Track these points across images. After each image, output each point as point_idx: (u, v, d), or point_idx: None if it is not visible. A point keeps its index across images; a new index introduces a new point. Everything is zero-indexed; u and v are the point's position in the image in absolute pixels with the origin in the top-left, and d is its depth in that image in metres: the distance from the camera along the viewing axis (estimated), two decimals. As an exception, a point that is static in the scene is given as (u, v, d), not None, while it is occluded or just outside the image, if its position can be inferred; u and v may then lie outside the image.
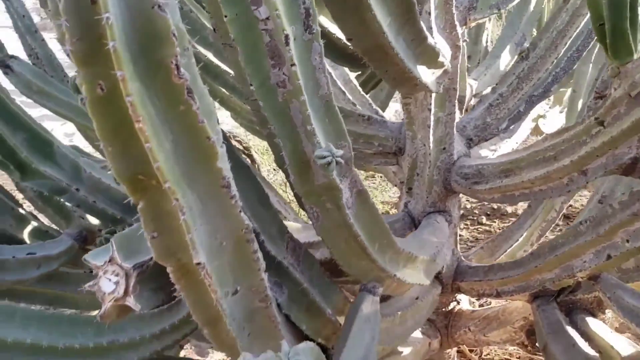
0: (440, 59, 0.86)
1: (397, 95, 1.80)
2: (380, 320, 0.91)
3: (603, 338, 1.16)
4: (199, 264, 0.51)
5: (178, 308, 0.80)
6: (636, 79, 0.83)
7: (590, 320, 1.24)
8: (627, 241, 0.99)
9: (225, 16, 0.56)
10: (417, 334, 1.48)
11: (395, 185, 1.74)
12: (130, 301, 0.62)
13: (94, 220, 1.14)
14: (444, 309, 1.55)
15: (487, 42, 2.30)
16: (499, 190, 1.13)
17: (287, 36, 0.56)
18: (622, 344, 1.12)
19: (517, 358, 1.86)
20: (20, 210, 1.05)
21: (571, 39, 1.20)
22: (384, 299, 1.11)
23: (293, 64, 0.57)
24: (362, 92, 1.46)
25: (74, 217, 1.12)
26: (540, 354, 1.87)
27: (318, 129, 0.64)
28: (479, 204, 2.90)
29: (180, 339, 0.80)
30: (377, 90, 1.66)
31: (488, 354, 1.90)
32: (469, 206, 2.94)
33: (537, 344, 1.33)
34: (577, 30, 1.20)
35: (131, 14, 0.39)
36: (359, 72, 1.55)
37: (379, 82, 1.64)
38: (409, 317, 1.23)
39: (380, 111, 1.38)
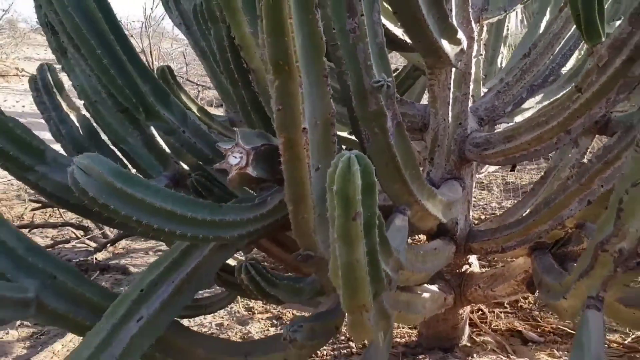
0: (459, 36, 1.18)
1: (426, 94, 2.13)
2: (407, 231, 1.21)
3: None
4: (304, 129, 0.82)
5: (266, 204, 1.11)
6: (602, 53, 1.14)
7: (578, 266, 1.51)
8: (602, 186, 1.27)
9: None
10: (435, 288, 1.76)
11: (420, 164, 2.04)
12: (250, 169, 0.94)
13: (185, 167, 1.47)
14: (457, 271, 1.83)
15: (501, 64, 2.63)
16: (503, 153, 1.43)
17: (361, -3, 0.89)
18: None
19: (523, 328, 2.11)
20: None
21: (564, 40, 1.52)
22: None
23: (362, 15, 0.89)
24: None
25: (171, 163, 1.44)
26: (541, 320, 2.13)
27: (375, 65, 0.96)
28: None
29: (266, 226, 1.10)
30: (413, 88, 2.00)
31: (497, 325, 2.16)
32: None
33: (534, 290, 1.59)
34: (569, 34, 1.52)
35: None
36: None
37: (413, 84, 1.98)
38: (429, 259, 1.51)
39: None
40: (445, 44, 1.17)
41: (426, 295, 1.67)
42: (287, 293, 1.14)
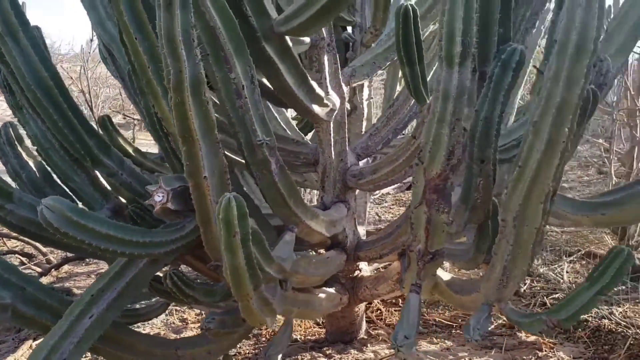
0: (325, 102, 1.63)
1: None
2: (293, 244, 1.63)
3: (439, 275, 1.89)
4: (205, 177, 1.23)
5: (184, 227, 1.51)
6: (424, 113, 1.61)
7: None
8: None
9: (216, 75, 1.31)
10: (332, 290, 2.18)
11: (317, 189, 2.48)
12: (169, 204, 1.33)
13: (123, 200, 1.84)
14: (351, 275, 2.26)
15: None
16: (372, 182, 1.89)
17: (243, 85, 1.31)
18: (446, 276, 1.86)
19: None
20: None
21: (417, 95, 1.99)
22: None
23: (246, 97, 1.32)
24: (297, 128, 2.23)
25: (112, 197, 1.81)
26: (426, 315, 2.59)
27: (258, 128, 1.39)
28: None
29: (185, 245, 1.50)
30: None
31: (390, 320, 2.61)
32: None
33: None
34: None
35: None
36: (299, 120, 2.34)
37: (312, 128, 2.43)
38: (321, 266, 1.94)
39: (305, 138, 2.14)
40: (315, 107, 1.61)
41: (322, 295, 2.09)
42: (203, 294, 1.53)
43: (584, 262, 3.01)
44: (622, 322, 2.29)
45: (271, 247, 1.54)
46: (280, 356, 1.86)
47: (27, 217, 1.53)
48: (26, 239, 3.14)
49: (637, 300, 2.53)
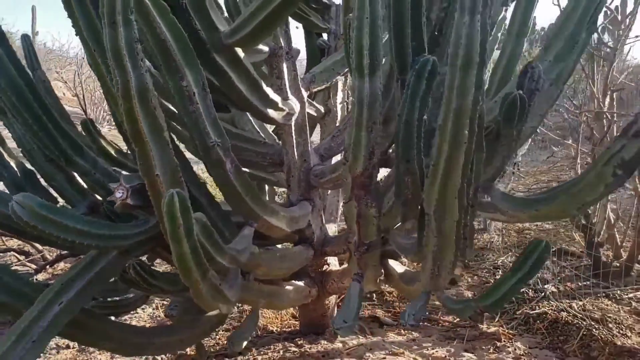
0: (281, 106, 1.76)
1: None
2: (251, 238, 1.76)
3: (393, 267, 2.01)
4: (157, 175, 1.37)
5: (148, 222, 1.64)
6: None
7: (392, 261, 2.10)
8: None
9: (169, 84, 1.44)
10: (301, 283, 2.31)
11: (284, 187, 2.61)
12: (129, 200, 1.47)
13: (99, 197, 1.97)
14: (320, 270, 2.39)
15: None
16: (331, 181, 2.01)
17: (194, 92, 1.44)
18: (400, 269, 1.98)
19: (381, 315, 2.70)
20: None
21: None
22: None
23: (197, 103, 1.45)
24: (268, 129, 2.36)
25: (88, 195, 1.95)
26: (398, 308, 2.71)
27: (211, 130, 1.52)
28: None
29: (150, 237, 1.63)
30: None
31: (362, 314, 2.74)
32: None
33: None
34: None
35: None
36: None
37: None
38: (287, 260, 2.07)
39: (275, 139, 2.27)
40: (270, 111, 1.74)
41: (290, 287, 2.22)
42: (166, 283, 1.67)
43: (555, 258, 3.12)
44: (579, 315, 2.40)
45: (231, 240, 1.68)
46: (245, 343, 1.99)
47: (5, 212, 1.67)
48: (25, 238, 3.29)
49: (599, 295, 2.64)
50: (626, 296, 2.64)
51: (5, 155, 1.93)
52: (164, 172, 1.39)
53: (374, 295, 2.95)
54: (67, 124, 1.84)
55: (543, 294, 2.67)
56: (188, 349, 2.32)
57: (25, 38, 2.02)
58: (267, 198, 2.58)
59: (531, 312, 2.52)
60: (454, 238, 1.38)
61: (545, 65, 1.71)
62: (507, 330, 2.43)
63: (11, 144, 2.00)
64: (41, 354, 1.70)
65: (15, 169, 1.93)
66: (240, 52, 1.56)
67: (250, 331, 2.05)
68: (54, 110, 1.80)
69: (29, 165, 1.99)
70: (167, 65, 1.38)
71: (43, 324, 1.51)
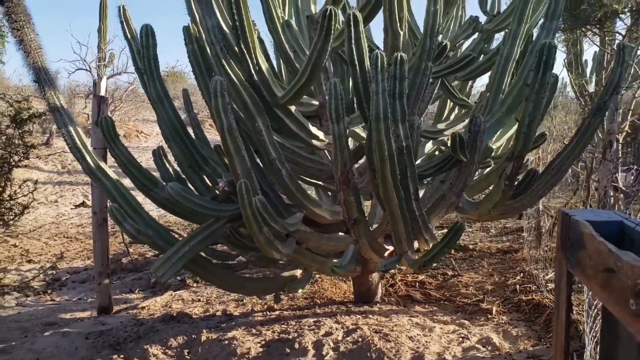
0: (322, 138, 2.85)
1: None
2: (301, 217, 2.84)
3: (381, 240, 2.97)
4: (238, 173, 2.53)
5: (235, 202, 2.81)
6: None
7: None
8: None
9: (248, 125, 2.60)
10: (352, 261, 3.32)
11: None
12: (226, 188, 2.66)
13: (217, 192, 3.21)
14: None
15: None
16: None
17: (262, 130, 2.59)
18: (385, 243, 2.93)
19: (414, 294, 3.61)
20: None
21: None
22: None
23: (264, 135, 2.60)
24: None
25: (211, 189, 3.19)
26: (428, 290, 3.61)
27: (272, 152, 2.66)
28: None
29: (239, 214, 2.79)
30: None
31: (400, 292, 3.66)
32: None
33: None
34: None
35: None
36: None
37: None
38: (333, 240, 3.12)
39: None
40: (314, 142, 2.82)
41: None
42: (248, 240, 2.81)
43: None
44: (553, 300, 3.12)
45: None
46: (300, 290, 3.06)
47: (163, 196, 2.95)
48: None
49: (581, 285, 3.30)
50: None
51: (167, 165, 3.23)
52: (243, 173, 2.54)
53: (417, 283, 3.86)
54: (202, 146, 3.10)
55: (545, 289, 3.40)
56: (268, 296, 3.45)
57: (185, 92, 3.37)
58: (317, 197, 3.65)
59: (524, 298, 3.28)
60: (401, 217, 2.36)
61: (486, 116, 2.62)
62: (500, 309, 3.22)
63: (170, 157, 3.31)
64: (177, 276, 2.95)
65: (173, 174, 3.22)
66: (292, 107, 2.68)
67: (303, 284, 3.13)
68: (196, 138, 3.07)
69: (180, 172, 3.28)
70: (247, 114, 2.54)
71: (177, 255, 2.72)
